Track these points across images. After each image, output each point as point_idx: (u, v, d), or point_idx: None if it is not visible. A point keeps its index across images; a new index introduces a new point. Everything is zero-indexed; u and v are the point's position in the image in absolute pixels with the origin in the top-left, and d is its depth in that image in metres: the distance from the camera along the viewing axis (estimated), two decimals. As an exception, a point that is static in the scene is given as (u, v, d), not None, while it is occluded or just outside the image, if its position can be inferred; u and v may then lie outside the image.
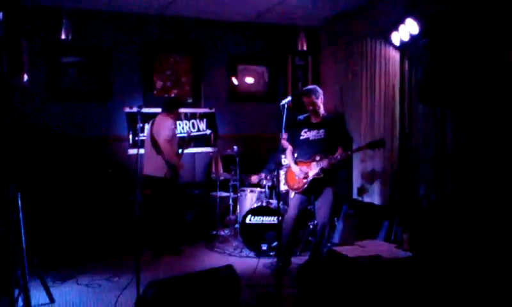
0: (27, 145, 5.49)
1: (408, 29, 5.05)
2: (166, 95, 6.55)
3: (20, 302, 3.47)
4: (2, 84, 3.71)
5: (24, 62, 5.09)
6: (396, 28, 5.26)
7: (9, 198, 3.51)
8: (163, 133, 5.17)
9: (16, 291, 3.45)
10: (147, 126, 5.53)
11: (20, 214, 3.53)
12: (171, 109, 5.41)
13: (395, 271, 3.55)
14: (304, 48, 6.31)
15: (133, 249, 4.96)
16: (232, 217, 5.94)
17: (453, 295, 3.35)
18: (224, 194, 5.99)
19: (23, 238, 3.53)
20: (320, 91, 4.74)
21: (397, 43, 5.42)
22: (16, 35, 4.44)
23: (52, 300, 3.90)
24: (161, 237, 5.28)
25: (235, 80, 6.85)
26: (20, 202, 3.54)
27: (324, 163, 4.51)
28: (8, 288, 3.29)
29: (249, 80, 7.09)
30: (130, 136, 6.21)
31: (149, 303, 3.47)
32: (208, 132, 6.65)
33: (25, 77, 5.02)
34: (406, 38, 5.19)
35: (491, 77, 4.30)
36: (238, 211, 5.76)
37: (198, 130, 6.62)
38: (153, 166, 5.22)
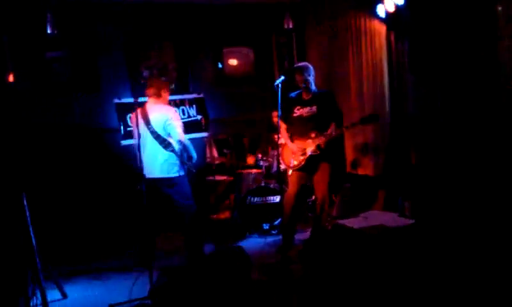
0: (23, 143, 5.42)
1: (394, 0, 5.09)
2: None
3: (34, 301, 3.47)
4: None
5: (7, 60, 5.02)
6: (381, 0, 5.30)
7: (14, 198, 3.49)
8: (176, 123, 4.33)
9: (30, 290, 3.45)
10: (134, 119, 4.48)
11: (27, 213, 3.51)
12: (160, 93, 4.50)
13: (401, 239, 3.66)
14: (290, 26, 6.31)
15: (141, 240, 5.00)
16: (231, 199, 5.98)
17: (457, 257, 3.46)
18: (221, 177, 6.02)
19: (32, 236, 3.52)
20: (311, 67, 4.76)
21: (383, 15, 5.46)
22: (-2, 32, 4.36)
23: (64, 295, 3.91)
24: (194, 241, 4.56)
25: (219, 64, 6.83)
26: (25, 201, 3.52)
27: (320, 140, 4.57)
28: (22, 287, 3.29)
29: (235, 62, 7.08)
30: (122, 127, 6.17)
31: (163, 291, 3.52)
32: (199, 117, 6.62)
33: (11, 76, 4.95)
34: (392, 9, 5.23)
35: (476, 41, 4.40)
36: (236, 193, 5.81)
37: (189, 116, 6.59)
38: (164, 167, 4.37)
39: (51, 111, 5.89)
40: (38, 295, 3.47)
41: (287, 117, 4.81)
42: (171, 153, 4.30)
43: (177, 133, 4.27)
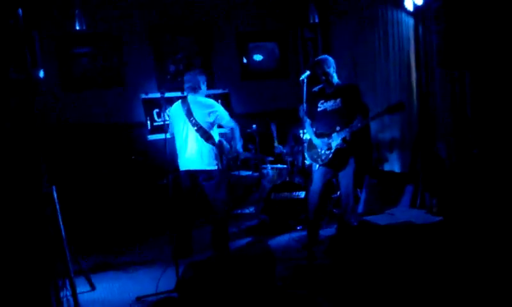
0: (50, 137, 5.54)
1: (422, -8, 5.00)
2: (180, 79, 6.54)
3: (64, 292, 3.55)
4: (26, 79, 3.72)
5: (38, 56, 5.12)
6: (409, -7, 5.21)
7: (43, 191, 3.56)
8: (222, 112, 4.46)
9: (60, 281, 3.52)
10: (174, 113, 4.55)
11: (57, 206, 3.59)
12: (199, 85, 4.53)
13: (428, 236, 3.61)
14: (316, 20, 6.24)
15: (165, 233, 5.06)
16: (256, 195, 5.99)
17: (486, 254, 3.39)
18: (246, 172, 6.03)
19: (62, 229, 3.60)
20: (331, 59, 4.69)
21: (411, 8, 5.36)
22: (29, 28, 4.44)
23: (93, 287, 3.99)
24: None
25: (244, 59, 6.85)
26: (55, 194, 3.60)
27: (346, 133, 4.51)
28: (52, 278, 3.36)
29: (260, 57, 7.07)
30: (148, 122, 6.24)
31: (189, 284, 3.55)
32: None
33: (41, 72, 5.06)
34: (420, 2, 5.14)
35: (509, 37, 4.28)
36: (261, 189, 5.81)
37: (214, 111, 6.62)
38: (203, 160, 4.41)
39: (78, 106, 6.00)
40: (68, 286, 3.54)
41: (311, 112, 4.76)
42: (212, 146, 4.38)
43: (227, 120, 4.43)
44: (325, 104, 4.66)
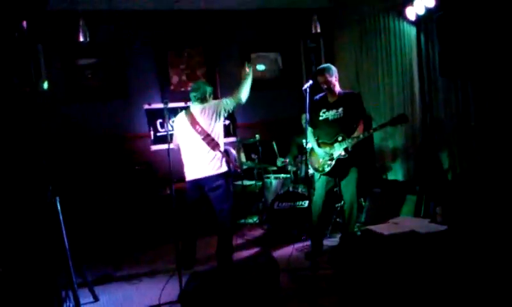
0: (54, 148, 5.57)
1: (424, 2, 5.03)
2: (183, 89, 6.59)
3: (67, 303, 3.54)
4: (31, 91, 3.75)
5: (42, 68, 5.16)
6: (411, 2, 5.24)
7: (48, 201, 3.58)
8: (226, 99, 4.53)
9: (63, 293, 3.52)
10: (179, 124, 4.57)
11: (61, 217, 3.60)
12: (206, 97, 4.55)
13: (433, 245, 3.59)
14: (318, 30, 6.27)
15: (169, 243, 5.05)
16: (259, 204, 5.98)
17: (491, 263, 3.37)
18: (249, 182, 6.03)
19: (65, 240, 3.60)
20: (333, 68, 4.67)
21: (413, 18, 5.40)
22: (34, 41, 4.49)
23: (96, 298, 3.97)
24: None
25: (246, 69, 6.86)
26: (59, 205, 3.60)
27: (348, 143, 4.51)
28: (56, 289, 3.36)
29: (263, 67, 7.10)
30: (152, 133, 6.27)
31: (192, 295, 3.53)
32: (226, 122, 6.67)
33: (46, 83, 5.10)
34: (422, 12, 5.17)
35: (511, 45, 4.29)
36: (264, 198, 5.80)
37: (216, 121, 6.65)
38: (211, 166, 4.42)
39: (82, 117, 6.04)
40: (71, 297, 3.54)
41: (313, 120, 4.77)
42: (218, 153, 4.41)
43: (232, 99, 4.50)
44: (327, 113, 4.65)
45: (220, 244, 4.55)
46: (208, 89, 4.58)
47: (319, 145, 4.71)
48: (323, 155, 4.62)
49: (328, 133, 4.64)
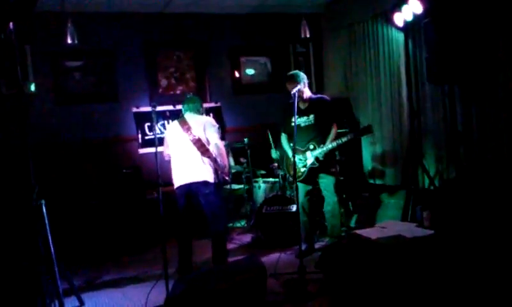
0: (41, 151, 5.51)
1: (412, 8, 5.07)
2: (172, 92, 6.58)
3: (52, 307, 3.51)
4: (18, 93, 3.71)
5: (29, 69, 5.12)
6: (399, 9, 5.28)
7: (33, 205, 3.53)
8: (214, 128, 4.53)
9: (48, 298, 3.48)
10: (172, 131, 4.62)
11: (46, 221, 3.56)
12: (199, 110, 4.67)
13: (419, 250, 3.60)
14: (307, 35, 6.29)
15: (155, 247, 5.03)
16: (247, 208, 5.97)
17: (477, 269, 3.39)
18: (237, 186, 6.02)
19: (51, 245, 3.56)
20: (302, 74, 4.65)
21: (401, 24, 5.44)
22: (21, 42, 4.45)
23: (81, 303, 3.93)
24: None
25: (236, 74, 6.88)
26: (45, 209, 3.56)
27: (318, 153, 4.56)
28: (40, 294, 3.32)
29: (253, 71, 7.11)
30: (139, 136, 6.24)
31: (179, 300, 3.51)
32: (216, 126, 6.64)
33: (32, 86, 5.06)
34: (410, 18, 5.22)
35: (496, 51, 4.34)
36: (252, 202, 5.80)
37: (205, 125, 6.63)
38: (201, 171, 4.45)
39: (71, 120, 5.99)
40: (56, 303, 3.50)
41: (286, 126, 4.78)
42: (208, 159, 4.45)
43: (215, 137, 4.49)
44: (299, 120, 4.60)
45: (215, 248, 4.55)
46: (201, 104, 4.73)
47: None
48: (297, 162, 4.63)
49: (301, 140, 4.59)
